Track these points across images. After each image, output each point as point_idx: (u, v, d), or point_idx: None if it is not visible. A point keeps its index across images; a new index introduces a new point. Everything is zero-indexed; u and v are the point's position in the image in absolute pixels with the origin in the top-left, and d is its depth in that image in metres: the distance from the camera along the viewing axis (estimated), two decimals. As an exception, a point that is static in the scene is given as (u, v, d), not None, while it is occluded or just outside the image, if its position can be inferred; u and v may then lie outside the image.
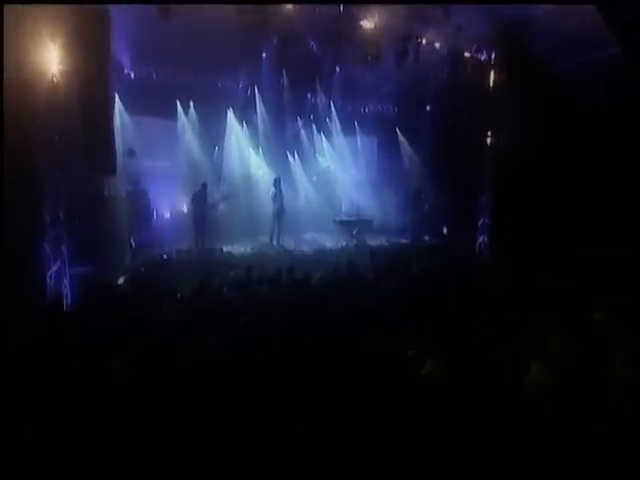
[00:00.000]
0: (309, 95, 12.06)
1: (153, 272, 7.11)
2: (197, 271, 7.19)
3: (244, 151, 11.94)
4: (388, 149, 12.88)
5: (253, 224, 10.36)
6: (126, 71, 10.74)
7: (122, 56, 10.41)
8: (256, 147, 11.93)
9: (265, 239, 9.74)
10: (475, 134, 10.72)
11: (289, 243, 9.65)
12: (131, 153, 9.07)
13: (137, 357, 3.35)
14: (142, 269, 7.24)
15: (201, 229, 8.63)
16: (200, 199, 8.72)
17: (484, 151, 10.74)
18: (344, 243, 9.85)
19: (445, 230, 11.18)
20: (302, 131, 12.26)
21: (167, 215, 9.97)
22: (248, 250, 9.10)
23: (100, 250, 7.12)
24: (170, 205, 10.12)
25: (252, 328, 4.28)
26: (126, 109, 10.19)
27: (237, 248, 9.18)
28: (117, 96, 9.90)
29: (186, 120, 11.41)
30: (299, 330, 4.14)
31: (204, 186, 8.89)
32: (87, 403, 2.63)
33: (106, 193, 7.87)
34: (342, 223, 10.34)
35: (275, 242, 9.42)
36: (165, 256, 8.10)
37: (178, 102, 11.31)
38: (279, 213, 9.32)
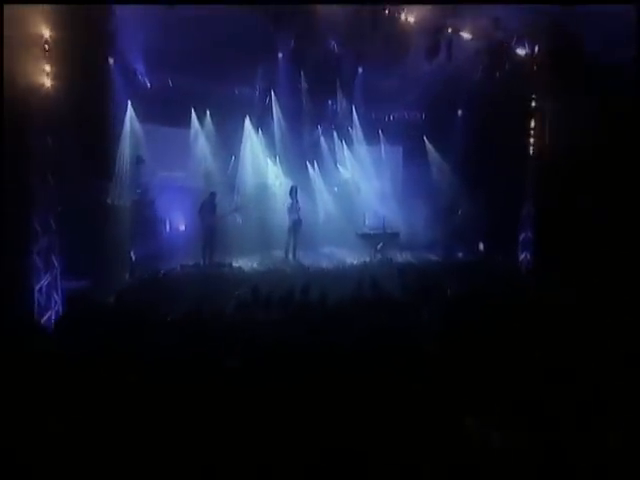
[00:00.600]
0: (329, 100, 11.18)
1: (152, 289, 6.25)
2: (201, 289, 6.31)
3: (260, 160, 11.13)
4: (415, 158, 11.79)
5: (267, 237, 9.44)
6: (140, 77, 10.26)
7: (136, 62, 9.97)
8: (273, 156, 11.13)
9: (280, 254, 8.79)
10: (515, 139, 9.56)
11: (306, 258, 8.65)
12: (139, 161, 8.42)
13: (122, 392, 2.81)
14: (140, 285, 6.40)
15: (209, 242, 7.77)
16: (209, 209, 7.90)
17: (525, 158, 9.55)
18: (367, 259, 8.77)
19: (482, 246, 9.92)
20: (322, 139, 11.39)
21: (174, 227, 9.21)
22: (260, 265, 8.17)
23: (96, 263, 6.35)
24: (178, 216, 9.37)
25: (257, 360, 3.28)
26: (138, 116, 9.64)
27: (248, 263, 8.25)
28: (129, 103, 9.41)
29: (200, 128, 10.74)
30: (314, 363, 3.36)
31: (213, 195, 8.05)
32: (69, 430, 2.36)
33: (108, 201, 7.18)
34: (365, 237, 9.26)
35: (290, 257, 8.43)
36: (167, 272, 7.25)
37: (193, 110, 10.71)
38: (295, 225, 8.34)
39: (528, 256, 9.60)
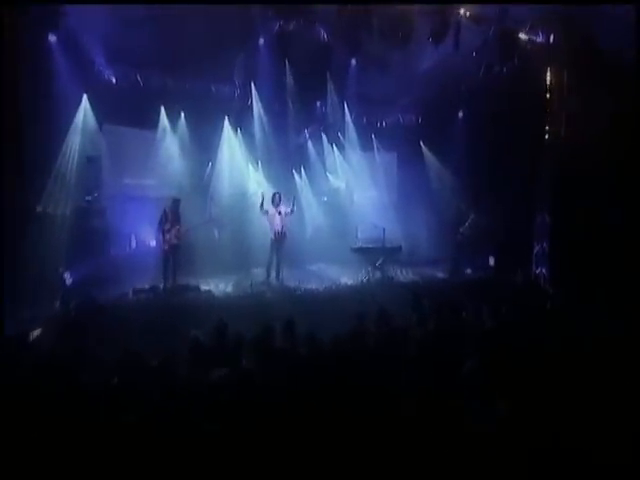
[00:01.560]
0: (319, 98, 9.77)
1: (88, 321, 4.65)
2: (155, 322, 4.75)
3: (240, 166, 9.69)
4: (415, 163, 10.48)
5: (245, 254, 7.93)
6: (101, 70, 8.81)
7: (95, 53, 8.52)
8: (255, 161, 9.69)
9: (260, 273, 7.26)
10: (527, 141, 8.37)
11: (291, 278, 7.08)
12: (90, 161, 6.87)
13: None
14: (72, 318, 4.76)
15: (172, 260, 6.17)
16: (173, 220, 6.29)
17: (539, 161, 8.34)
18: (365, 278, 7.31)
19: (492, 260, 8.59)
20: (310, 142, 10.03)
21: (130, 242, 7.65)
22: (236, 289, 6.56)
23: (14, 287, 4.72)
24: (137, 230, 7.81)
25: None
26: (99, 113, 8.17)
27: (221, 286, 6.64)
28: (85, 96, 7.96)
29: (171, 130, 9.29)
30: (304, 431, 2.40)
31: (176, 203, 6.43)
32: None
33: (38, 209, 5.56)
34: (361, 252, 7.74)
35: (273, 277, 6.87)
36: (113, 299, 5.59)
37: (163, 109, 9.25)
38: (279, 239, 6.80)
39: (544, 271, 8.31)
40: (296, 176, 10.10)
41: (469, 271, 8.41)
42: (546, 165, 8.36)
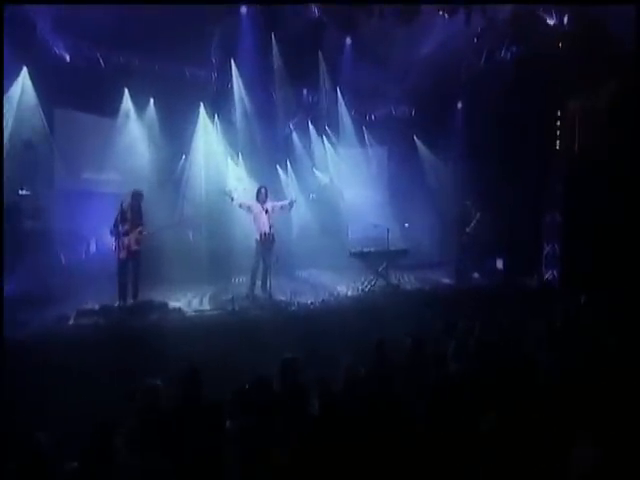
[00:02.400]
0: (308, 82, 8.45)
1: (12, 356, 3.29)
2: (95, 363, 3.43)
3: (218, 159, 8.38)
4: (414, 158, 9.48)
5: (224, 260, 6.70)
6: (54, 48, 7.35)
7: (42, 24, 7.05)
8: (235, 154, 8.41)
9: (243, 283, 6.00)
10: (537, 134, 7.49)
11: (280, 288, 5.86)
12: (27, 146, 5.44)
13: None
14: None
15: (132, 271, 4.81)
16: (133, 219, 4.88)
17: (550, 156, 7.48)
18: (366, 286, 6.17)
19: (500, 263, 7.66)
20: (296, 133, 8.84)
21: (79, 247, 6.27)
22: (213, 306, 5.19)
23: None
24: (88, 233, 6.43)
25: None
26: (47, 95, 6.77)
27: (194, 302, 5.29)
28: (25, 69, 6.53)
29: (137, 117, 7.91)
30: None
31: (137, 197, 4.96)
32: None
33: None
34: (363, 256, 6.41)
35: (258, 288, 5.62)
36: (48, 325, 4.06)
37: (127, 93, 7.84)
38: (265, 243, 5.59)
39: (554, 274, 7.46)
40: (281, 171, 8.90)
41: (476, 275, 7.44)
42: (556, 160, 7.52)
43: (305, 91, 8.63)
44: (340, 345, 3.76)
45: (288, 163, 8.81)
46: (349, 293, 5.91)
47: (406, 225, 8.23)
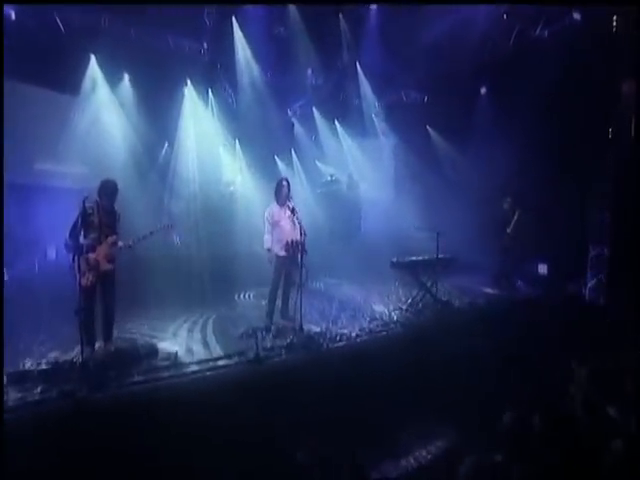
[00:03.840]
0: (327, 52, 6.63)
1: None
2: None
3: (210, 147, 6.66)
4: (443, 148, 8.02)
5: (224, 274, 5.08)
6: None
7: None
8: (231, 140, 6.72)
9: (249, 305, 4.37)
10: (584, 124, 6.27)
11: (306, 314, 4.08)
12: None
13: None
14: None
15: (102, 304, 3.09)
16: (102, 227, 3.10)
17: (598, 149, 6.27)
18: (412, 304, 4.63)
19: (544, 269, 6.43)
20: (295, 123, 7.23)
21: (42, 256, 4.54)
22: (222, 345, 3.46)
23: None
24: (54, 237, 4.71)
25: None
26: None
27: (191, 341, 3.55)
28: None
29: (110, 95, 6.10)
30: None
31: (108, 191, 3.14)
32: None
33: None
34: (406, 267, 4.79)
35: (283, 321, 4.02)
36: None
37: (96, 65, 5.99)
38: (292, 255, 3.93)
39: (602, 279, 6.30)
40: (279, 163, 7.28)
41: (520, 283, 6.17)
42: (606, 151, 6.33)
43: (319, 67, 6.93)
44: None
45: (294, 151, 7.21)
46: (393, 315, 4.43)
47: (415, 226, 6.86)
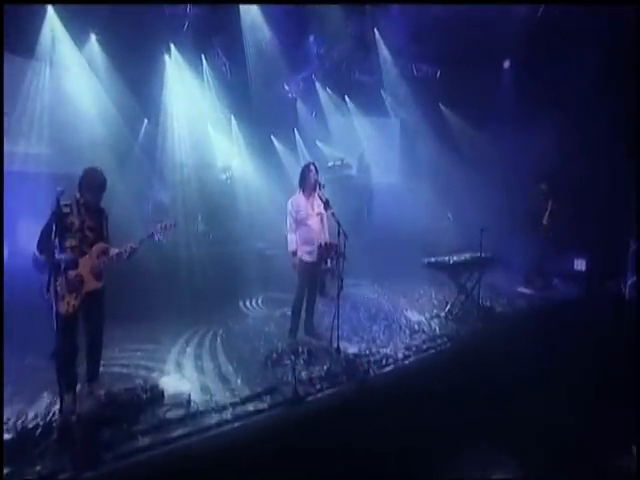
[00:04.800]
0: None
1: None
2: None
3: (198, 125, 5.83)
4: (456, 130, 7.50)
5: (226, 275, 4.40)
6: None
7: None
8: (227, 117, 5.91)
9: (259, 314, 3.74)
10: (624, 100, 5.81)
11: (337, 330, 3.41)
12: None
13: None
14: None
15: (87, 334, 2.37)
16: (87, 231, 2.34)
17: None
18: (451, 312, 4.14)
19: (582, 265, 6.05)
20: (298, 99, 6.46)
21: None
22: (244, 380, 2.74)
23: None
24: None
25: None
26: None
27: (190, 369, 2.90)
28: None
29: (65, 53, 5.16)
30: None
31: (96, 189, 2.32)
32: None
33: None
34: (443, 268, 4.26)
35: (304, 329, 3.45)
36: None
37: (50, 16, 5.02)
38: (320, 259, 3.27)
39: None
40: (275, 142, 6.51)
41: (556, 281, 5.76)
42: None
43: (327, 34, 6.14)
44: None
45: (297, 131, 6.47)
46: (434, 326, 3.89)
47: (449, 216, 6.33)
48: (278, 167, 6.43)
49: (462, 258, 4.31)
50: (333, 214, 3.11)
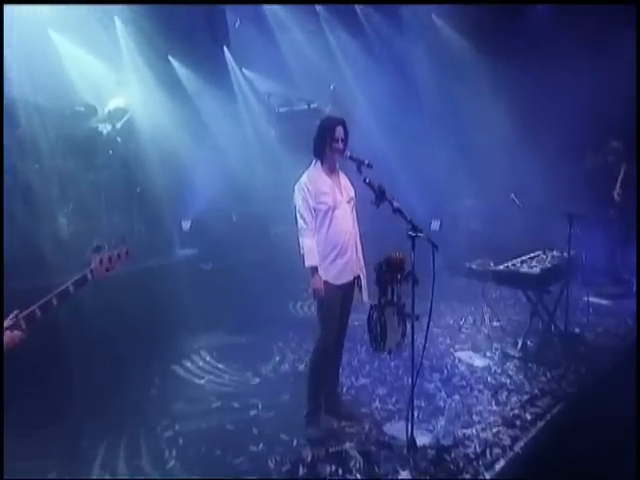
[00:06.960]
0: None
1: None
2: None
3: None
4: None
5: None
6: None
7: None
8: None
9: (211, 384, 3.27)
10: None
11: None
12: None
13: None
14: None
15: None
16: None
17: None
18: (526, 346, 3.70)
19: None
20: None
21: None
22: None
23: None
24: None
25: None
26: None
27: None
28: None
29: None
30: None
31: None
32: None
33: None
34: (512, 280, 3.96)
35: (325, 406, 2.90)
36: None
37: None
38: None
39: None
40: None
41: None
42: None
43: None
44: None
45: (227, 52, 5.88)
46: (519, 378, 3.45)
47: (514, 198, 6.10)
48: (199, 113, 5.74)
49: (547, 266, 3.93)
50: (399, 210, 2.58)
